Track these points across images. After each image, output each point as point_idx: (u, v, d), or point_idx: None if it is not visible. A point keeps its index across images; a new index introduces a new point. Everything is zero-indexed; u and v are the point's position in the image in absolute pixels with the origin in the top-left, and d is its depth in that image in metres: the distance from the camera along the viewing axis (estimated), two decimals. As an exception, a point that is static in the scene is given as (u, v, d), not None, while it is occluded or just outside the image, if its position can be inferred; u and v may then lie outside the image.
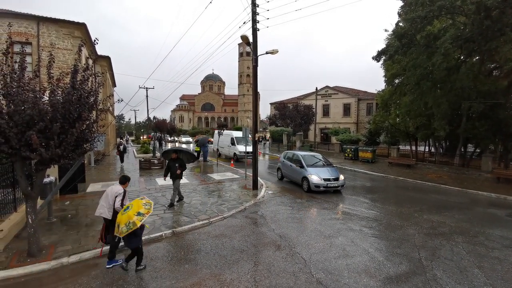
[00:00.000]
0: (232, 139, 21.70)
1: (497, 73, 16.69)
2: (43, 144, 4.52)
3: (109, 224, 4.86)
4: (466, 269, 4.92)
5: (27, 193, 4.94)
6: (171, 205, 8.37)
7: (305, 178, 11.05)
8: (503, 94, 14.73)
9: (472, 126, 15.60)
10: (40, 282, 4.38)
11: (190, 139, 45.44)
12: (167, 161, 9.10)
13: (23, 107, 4.42)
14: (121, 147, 18.61)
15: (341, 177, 11.14)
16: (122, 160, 18.65)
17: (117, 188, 5.00)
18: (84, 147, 5.30)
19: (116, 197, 4.86)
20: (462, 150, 17.69)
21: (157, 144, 30.12)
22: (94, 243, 5.57)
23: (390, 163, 19.68)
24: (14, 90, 4.49)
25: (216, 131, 24.17)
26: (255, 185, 10.97)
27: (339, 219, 7.70)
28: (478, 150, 18.02)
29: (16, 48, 13.04)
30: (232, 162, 18.57)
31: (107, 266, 4.73)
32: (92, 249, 5.31)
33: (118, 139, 18.99)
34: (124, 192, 5.00)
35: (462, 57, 15.84)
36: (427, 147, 22.88)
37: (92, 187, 10.79)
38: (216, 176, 14.02)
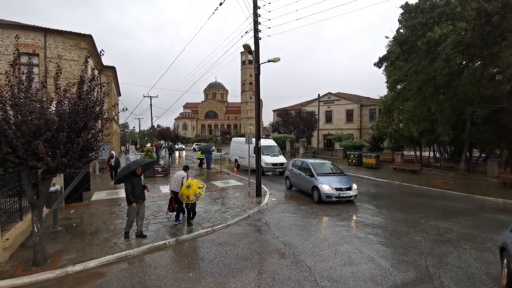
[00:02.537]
0: (255, 148, 19.72)
1: (500, 77, 16.66)
2: (49, 153, 4.59)
3: (175, 196, 7.33)
4: (473, 276, 4.84)
5: (33, 202, 4.99)
6: (142, 235, 6.50)
7: (315, 188, 10.40)
8: (507, 98, 14.66)
9: (476, 131, 15.50)
10: (45, 291, 4.38)
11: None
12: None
13: (30, 117, 4.51)
14: (112, 160, 14.40)
15: (354, 186, 10.48)
16: (113, 177, 13.90)
17: (182, 173, 7.63)
18: (89, 156, 5.37)
19: (183, 178, 7.45)
20: (468, 155, 17.53)
21: (167, 153, 28.44)
22: (98, 251, 5.58)
23: (394, 168, 19.53)
24: (21, 100, 4.60)
25: (234, 139, 21.90)
26: (259, 193, 10.94)
27: (344, 226, 7.63)
28: (483, 155, 17.86)
29: (24, 59, 13.43)
30: (235, 169, 18.55)
31: (175, 223, 7.43)
32: (96, 257, 5.32)
33: (111, 152, 15.19)
34: (187, 175, 7.68)
35: (464, 62, 15.87)
36: (431, 152, 22.71)
37: (96, 195, 10.85)
38: (219, 184, 14.01)
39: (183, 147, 47.36)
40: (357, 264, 5.23)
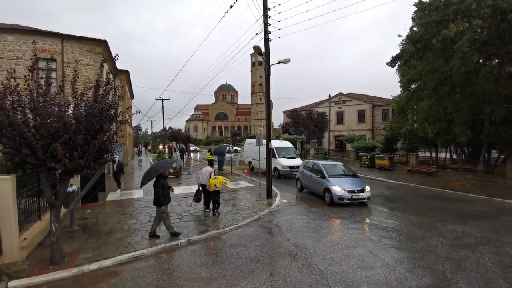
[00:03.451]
0: (271, 150, 18.36)
1: (519, 76, 15.94)
2: (67, 155, 4.74)
3: (203, 189, 8.65)
4: (491, 281, 4.70)
5: (52, 202, 5.16)
6: (155, 235, 6.66)
7: (327, 190, 10.25)
8: (526, 98, 14.04)
9: (495, 131, 14.90)
10: (62, 289, 4.51)
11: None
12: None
13: (49, 120, 4.68)
14: (115, 165, 12.75)
15: (367, 188, 10.24)
16: (119, 185, 12.72)
17: (209, 168, 8.98)
18: (104, 157, 5.51)
19: (210, 172, 8.73)
20: (486, 156, 16.88)
21: (178, 156, 28.08)
22: (113, 251, 5.71)
23: (409, 170, 19.06)
24: (40, 104, 4.77)
25: (248, 140, 21.17)
26: (269, 194, 10.92)
27: (356, 228, 7.49)
28: (502, 156, 17.13)
29: (42, 64, 13.98)
30: (246, 171, 18.56)
31: (206, 210, 8.89)
32: (111, 257, 5.43)
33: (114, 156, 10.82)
34: (214, 170, 9.06)
35: (481, 61, 15.32)
36: (448, 154, 22.01)
37: (111, 196, 11.12)
38: (230, 185, 14.06)
39: (197, 148, 47.57)
40: (371, 268, 5.13)
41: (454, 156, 20.92)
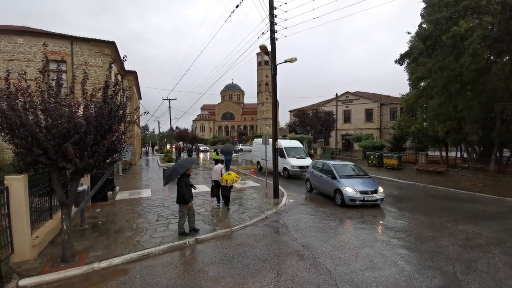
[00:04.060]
0: (280, 150, 16.31)
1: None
2: (77, 155, 4.83)
3: (215, 184, 9.46)
4: (502, 282, 4.62)
5: (63, 201, 5.27)
6: (195, 229, 6.92)
7: (338, 191, 9.91)
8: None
9: (507, 129, 14.56)
10: (71, 287, 4.59)
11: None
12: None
13: (60, 121, 4.77)
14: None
15: (380, 189, 9.83)
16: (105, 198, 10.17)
17: (220, 165, 9.81)
18: (114, 157, 5.60)
19: (221, 169, 9.58)
20: (498, 155, 16.49)
21: (186, 156, 28.21)
22: (122, 249, 5.79)
23: (418, 170, 18.76)
24: (51, 105, 4.87)
25: (256, 140, 20.72)
26: (276, 194, 10.90)
27: (365, 229, 7.41)
28: (515, 155, 16.71)
29: (52, 66, 14.27)
30: (252, 170, 18.57)
31: (218, 204, 9.69)
32: (120, 255, 5.52)
33: None
34: (224, 167, 9.93)
35: (492, 58, 14.96)
36: (458, 153, 21.58)
37: (120, 195, 11.28)
38: (236, 184, 14.08)
39: (207, 148, 47.64)
40: (379, 268, 5.07)
41: (465, 155, 20.52)
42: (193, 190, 7.06)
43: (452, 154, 21.66)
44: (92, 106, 5.24)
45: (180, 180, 6.70)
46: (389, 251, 5.85)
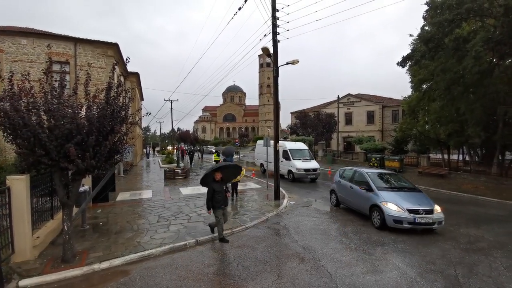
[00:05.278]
0: (285, 152, 16.48)
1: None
2: (79, 155, 4.85)
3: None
4: (503, 285, 4.60)
5: (64, 202, 5.29)
6: (223, 239, 6.53)
7: (376, 208, 7.69)
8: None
9: (509, 133, 14.50)
10: (71, 287, 4.59)
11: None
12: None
13: (62, 122, 4.80)
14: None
15: (437, 208, 7.33)
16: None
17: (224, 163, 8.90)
18: (115, 158, 5.62)
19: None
20: (500, 158, 16.40)
21: (186, 159, 27.46)
22: (123, 250, 5.80)
23: (420, 172, 18.69)
24: (54, 106, 4.90)
25: (259, 141, 20.04)
26: (277, 196, 10.88)
27: (366, 231, 7.37)
28: (518, 158, 16.62)
29: (55, 67, 14.35)
30: (253, 172, 18.56)
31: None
32: (121, 256, 5.52)
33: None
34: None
35: (494, 60, 14.92)
36: (460, 156, 21.49)
37: (121, 196, 11.30)
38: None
39: (213, 150, 47.31)
40: (380, 272, 5.04)
41: (467, 158, 20.41)
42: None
43: (454, 157, 21.56)
44: (94, 107, 5.27)
45: (208, 185, 6.43)
46: (390, 254, 5.81)
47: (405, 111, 24.29)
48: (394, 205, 7.35)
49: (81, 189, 7.07)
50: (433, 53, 15.07)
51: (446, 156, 20.71)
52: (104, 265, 5.18)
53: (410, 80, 20.87)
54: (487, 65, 14.34)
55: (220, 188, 6.38)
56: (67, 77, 14.61)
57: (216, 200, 6.29)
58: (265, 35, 11.80)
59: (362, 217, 8.54)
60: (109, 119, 5.17)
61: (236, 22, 14.58)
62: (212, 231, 6.76)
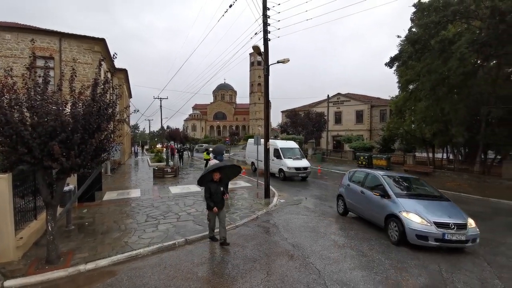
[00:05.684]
0: (276, 150, 16.53)
1: (516, 77, 16.06)
2: (64, 154, 4.71)
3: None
4: (486, 280, 4.77)
5: (48, 201, 5.13)
6: (225, 243, 6.15)
7: (393, 218, 6.40)
8: (524, 99, 14.13)
9: (492, 132, 15.03)
10: (58, 288, 4.48)
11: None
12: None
13: (46, 119, 4.65)
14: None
15: (470, 222, 6.08)
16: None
17: (214, 160, 9.92)
18: (102, 156, 5.49)
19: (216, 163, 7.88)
20: (482, 157, 17.01)
21: (176, 157, 26.83)
22: (109, 250, 5.69)
23: (406, 170, 19.16)
24: (38, 103, 4.74)
25: (250, 140, 19.71)
26: (267, 194, 10.93)
27: (353, 228, 7.51)
28: (499, 157, 17.27)
29: (40, 62, 13.89)
30: (243, 170, 18.53)
31: None
32: (107, 256, 5.41)
33: None
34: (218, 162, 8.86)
35: (479, 62, 15.41)
36: (445, 154, 22.15)
37: (108, 195, 11.07)
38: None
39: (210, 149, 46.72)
40: (367, 267, 5.15)
41: (451, 157, 21.08)
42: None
43: (438, 155, 22.21)
44: (80, 104, 5.13)
45: (205, 185, 6.19)
46: (377, 250, 5.94)
47: (392, 111, 24.82)
48: (417, 216, 6.03)
49: (66, 188, 6.87)
50: (419, 54, 15.43)
51: (431, 155, 21.30)
52: (90, 266, 5.07)
53: (397, 80, 21.34)
54: (471, 66, 14.80)
55: (217, 189, 6.07)
56: (52, 73, 14.15)
57: (213, 201, 6.03)
58: (256, 34, 11.79)
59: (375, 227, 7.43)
60: (95, 116, 5.04)
61: (227, 20, 14.51)
62: (214, 240, 6.46)
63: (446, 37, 14.33)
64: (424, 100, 17.00)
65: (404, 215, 6.16)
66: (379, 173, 7.99)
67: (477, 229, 6.02)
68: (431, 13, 14.50)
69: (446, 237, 5.74)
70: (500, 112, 13.96)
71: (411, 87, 19.71)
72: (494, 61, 15.41)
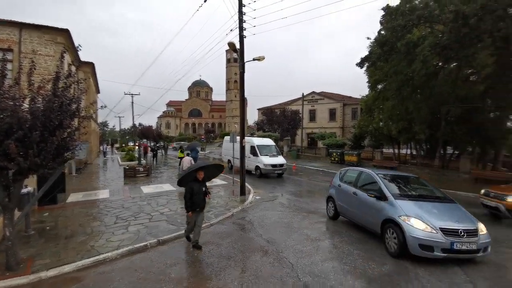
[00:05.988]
0: (252, 148, 16.63)
1: (474, 78, 17.47)
2: (21, 153, 4.36)
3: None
4: (447, 267, 5.11)
5: (5, 205, 4.73)
6: (197, 246, 5.84)
7: (391, 224, 5.54)
8: (480, 99, 15.46)
9: (450, 130, 16.28)
10: (16, 298, 4.17)
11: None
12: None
13: (1, 115, 4.27)
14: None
15: (481, 227, 5.26)
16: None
17: (188, 158, 11.59)
18: (64, 155, 5.15)
19: (190, 160, 11.19)
20: (442, 152, 18.40)
21: (150, 156, 26.11)
22: (74, 255, 5.37)
23: (374, 166, 20.20)
24: (-8, 98, 4.33)
25: (227, 137, 19.27)
26: (243, 191, 10.95)
27: (325, 222, 7.80)
28: (456, 152, 18.81)
29: (-5, 54, 12.61)
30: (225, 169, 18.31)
31: None
32: (72, 262, 5.11)
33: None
34: (191, 159, 11.67)
35: (440, 64, 16.56)
36: (409, 150, 23.67)
37: (73, 197, 10.42)
38: (203, 183, 13.86)
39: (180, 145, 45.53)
40: (337, 258, 5.37)
41: (414, 152, 22.57)
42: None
43: (403, 151, 23.67)
44: (39, 99, 4.76)
45: (186, 185, 5.82)
46: (346, 243, 6.21)
47: (362, 109, 25.99)
48: (419, 221, 5.15)
49: (24, 190, 6.39)
50: (387, 56, 16.27)
51: (396, 151, 22.66)
52: (52, 272, 4.75)
53: (367, 80, 22.34)
54: (433, 68, 15.89)
55: (199, 190, 5.76)
56: (10, 66, 12.91)
57: (194, 202, 5.68)
58: (231, 30, 11.70)
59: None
60: (56, 112, 4.71)
61: (202, 15, 14.22)
62: (188, 239, 6.16)
63: (411, 40, 15.23)
64: (391, 99, 17.98)
65: (404, 220, 5.27)
66: (374, 171, 7.22)
67: (489, 236, 5.22)
68: (398, 17, 15.30)
69: (455, 247, 4.88)
70: (458, 111, 15.17)
71: (379, 87, 20.74)
72: (455, 63, 16.61)
